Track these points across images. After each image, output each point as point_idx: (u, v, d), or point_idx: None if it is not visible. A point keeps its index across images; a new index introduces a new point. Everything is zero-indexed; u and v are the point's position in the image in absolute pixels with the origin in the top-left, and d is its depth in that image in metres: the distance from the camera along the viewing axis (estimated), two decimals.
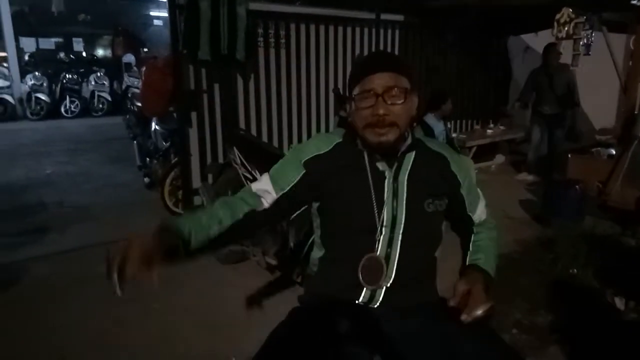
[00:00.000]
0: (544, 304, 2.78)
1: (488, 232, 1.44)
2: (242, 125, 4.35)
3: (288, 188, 1.27)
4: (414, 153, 1.30)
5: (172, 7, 3.83)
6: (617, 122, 5.37)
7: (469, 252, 1.39)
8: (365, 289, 1.24)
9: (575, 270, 3.13)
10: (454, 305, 1.15)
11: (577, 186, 3.97)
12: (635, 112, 4.16)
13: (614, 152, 4.48)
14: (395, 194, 1.25)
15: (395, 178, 1.27)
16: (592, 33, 4.90)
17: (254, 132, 4.42)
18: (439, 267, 1.38)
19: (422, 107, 5.04)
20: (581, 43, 4.85)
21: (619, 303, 2.70)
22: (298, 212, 1.43)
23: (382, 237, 1.24)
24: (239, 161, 2.99)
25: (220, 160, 4.09)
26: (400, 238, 1.25)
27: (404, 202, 1.25)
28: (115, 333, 2.47)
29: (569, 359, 2.30)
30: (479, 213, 1.42)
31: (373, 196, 1.25)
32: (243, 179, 2.95)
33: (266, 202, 1.26)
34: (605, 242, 3.43)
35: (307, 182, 1.27)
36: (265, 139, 4.50)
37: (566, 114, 5.32)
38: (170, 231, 1.14)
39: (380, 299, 1.24)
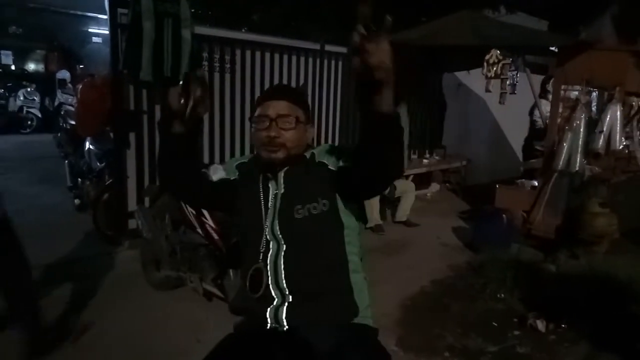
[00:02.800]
0: (474, 327, 2.91)
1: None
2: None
3: (231, 179, 1.46)
4: (284, 169, 1.36)
5: (114, 25, 3.76)
6: (540, 156, 5.80)
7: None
8: (268, 310, 1.28)
9: (502, 294, 3.31)
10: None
11: (503, 215, 4.23)
12: (555, 148, 4.53)
13: (536, 184, 4.83)
14: (274, 209, 1.34)
15: (275, 195, 1.36)
16: (517, 74, 5.34)
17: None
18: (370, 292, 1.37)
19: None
20: (508, 82, 5.26)
21: (541, 325, 2.88)
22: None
23: (270, 250, 1.32)
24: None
25: (158, 183, 3.98)
26: (283, 249, 1.31)
27: (277, 215, 1.33)
28: None
29: None
30: (347, 156, 1.32)
31: (263, 212, 1.35)
32: (181, 203, 2.89)
33: (212, 177, 1.48)
34: (529, 268, 3.66)
35: (234, 185, 1.45)
36: (206, 160, 4.44)
37: None
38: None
39: (284, 319, 1.27)
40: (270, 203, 1.35)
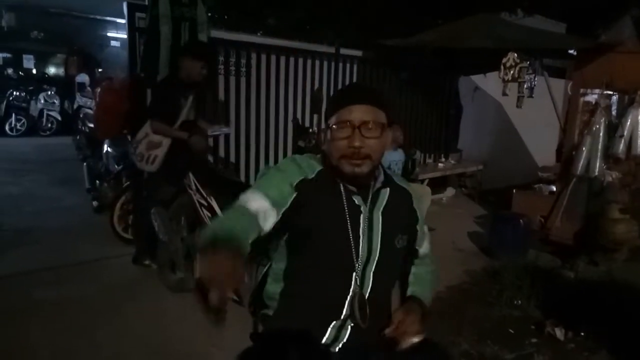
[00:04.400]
0: (491, 334, 2.87)
1: (427, 266, 1.47)
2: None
3: (285, 208, 1.18)
4: (388, 189, 1.30)
5: (132, 29, 3.81)
6: (558, 161, 5.70)
7: (409, 282, 1.43)
8: (330, 327, 1.21)
9: (519, 301, 3.25)
10: (390, 334, 1.23)
11: (521, 220, 4.17)
12: (573, 153, 4.45)
13: (554, 189, 4.75)
14: (370, 230, 1.24)
15: (370, 213, 1.25)
16: (534, 77, 5.26)
17: (210, 158, 4.38)
18: None
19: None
20: (525, 86, 5.19)
21: (559, 333, 2.82)
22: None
23: (354, 273, 1.22)
24: (194, 187, 2.95)
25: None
26: (372, 275, 1.24)
27: (379, 238, 1.24)
28: None
29: None
30: (425, 247, 1.45)
31: (350, 232, 1.21)
32: (197, 205, 2.91)
33: (268, 224, 1.15)
34: (547, 274, 3.60)
35: (296, 206, 1.19)
36: (222, 165, 4.47)
37: None
38: (232, 246, 0.96)
39: (346, 338, 1.22)
40: (362, 222, 1.23)
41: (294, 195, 1.19)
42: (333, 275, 1.22)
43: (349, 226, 1.21)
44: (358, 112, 1.18)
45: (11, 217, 4.63)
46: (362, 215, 1.23)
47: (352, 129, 1.17)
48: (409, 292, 1.40)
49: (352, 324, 1.21)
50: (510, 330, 2.94)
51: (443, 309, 3.22)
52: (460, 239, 4.69)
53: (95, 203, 4.84)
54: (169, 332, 2.71)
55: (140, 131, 3.34)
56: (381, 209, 1.27)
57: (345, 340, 1.21)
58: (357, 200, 1.24)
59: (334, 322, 1.22)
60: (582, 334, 2.84)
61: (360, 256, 1.22)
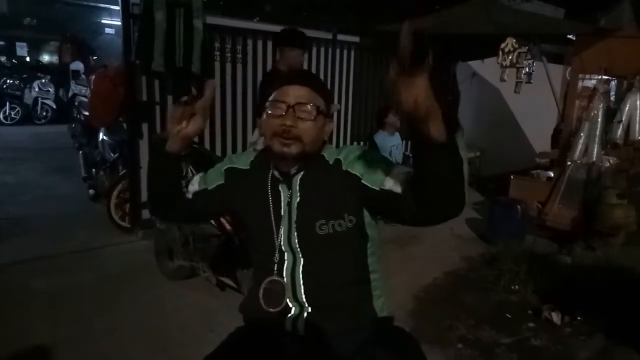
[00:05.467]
0: (488, 319, 2.89)
1: None
2: (195, 138, 4.27)
3: (210, 189, 1.33)
4: (301, 174, 1.24)
5: (126, 16, 3.75)
6: (553, 146, 5.69)
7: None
8: (287, 317, 1.22)
9: (516, 286, 3.27)
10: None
11: (518, 206, 4.18)
12: (571, 138, 4.44)
13: (552, 175, 4.75)
14: (289, 219, 1.22)
15: (289, 202, 1.23)
16: (533, 62, 5.24)
17: (207, 146, 4.36)
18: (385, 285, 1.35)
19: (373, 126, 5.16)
20: (523, 72, 5.17)
21: (556, 318, 2.84)
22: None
23: (285, 262, 1.22)
24: (190, 175, 2.93)
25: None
26: (301, 263, 1.22)
27: (295, 227, 1.21)
28: (58, 354, 2.33)
29: None
30: (394, 178, 1.13)
31: (272, 220, 1.23)
32: None
33: (189, 194, 1.35)
34: (544, 260, 3.62)
35: (222, 192, 1.32)
36: (219, 153, 4.44)
37: None
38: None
39: (304, 324, 1.21)
40: (283, 210, 1.23)
41: (220, 182, 1.33)
42: (264, 262, 1.26)
43: (272, 215, 1.24)
44: (295, 93, 1.19)
45: (7, 205, 4.61)
46: (282, 204, 1.24)
47: (286, 108, 1.17)
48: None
49: (305, 315, 1.21)
50: (508, 315, 2.96)
51: (440, 295, 3.24)
52: (457, 225, 4.69)
53: (91, 191, 4.82)
54: (167, 319, 2.72)
55: None
56: (298, 196, 1.23)
57: (303, 330, 1.21)
58: (281, 187, 1.25)
59: (288, 315, 1.23)
60: (579, 318, 2.86)
61: (283, 246, 1.22)
